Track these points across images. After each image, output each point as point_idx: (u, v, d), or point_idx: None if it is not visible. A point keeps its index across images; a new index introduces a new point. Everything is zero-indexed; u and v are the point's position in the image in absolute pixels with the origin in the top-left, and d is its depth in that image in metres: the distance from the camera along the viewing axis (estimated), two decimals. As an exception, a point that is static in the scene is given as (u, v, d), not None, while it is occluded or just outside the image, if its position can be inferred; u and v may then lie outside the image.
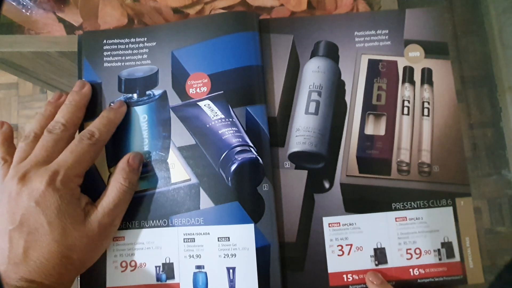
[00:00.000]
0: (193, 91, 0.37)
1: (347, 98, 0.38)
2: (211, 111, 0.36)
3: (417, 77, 0.38)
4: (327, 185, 0.36)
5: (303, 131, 0.37)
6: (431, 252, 0.35)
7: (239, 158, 0.35)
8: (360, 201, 0.36)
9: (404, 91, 0.38)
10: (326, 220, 0.36)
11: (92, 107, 0.37)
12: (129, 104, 0.37)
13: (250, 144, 0.35)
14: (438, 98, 0.38)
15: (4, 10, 0.44)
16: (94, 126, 0.34)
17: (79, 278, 0.34)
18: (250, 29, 0.37)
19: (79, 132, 0.35)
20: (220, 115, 0.36)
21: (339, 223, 0.36)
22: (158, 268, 0.35)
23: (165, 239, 0.35)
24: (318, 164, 0.37)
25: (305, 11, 0.44)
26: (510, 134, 0.87)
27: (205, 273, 0.34)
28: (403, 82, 0.38)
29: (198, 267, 0.34)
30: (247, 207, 0.34)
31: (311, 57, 0.38)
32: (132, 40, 0.38)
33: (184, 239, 0.35)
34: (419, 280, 0.35)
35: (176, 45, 0.38)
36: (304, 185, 0.36)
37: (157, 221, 0.35)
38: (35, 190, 0.30)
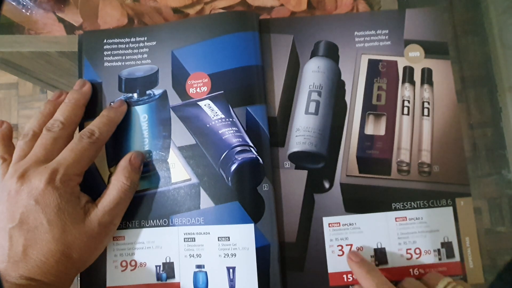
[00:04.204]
0: (193, 90, 0.37)
1: (347, 98, 0.38)
2: (211, 111, 0.36)
3: (417, 77, 0.38)
4: (327, 185, 0.36)
5: (303, 131, 0.37)
6: (431, 252, 0.35)
7: (239, 158, 0.35)
8: (360, 201, 0.36)
9: (404, 91, 0.38)
10: (326, 220, 0.36)
11: (92, 107, 0.37)
12: (129, 104, 0.37)
13: (250, 144, 0.35)
14: (438, 98, 0.38)
15: (4, 10, 0.44)
16: (94, 125, 0.34)
17: (79, 278, 0.34)
18: (250, 29, 0.37)
19: (79, 131, 0.35)
20: (220, 115, 0.36)
21: (339, 223, 0.36)
22: (158, 267, 0.35)
23: (166, 238, 0.35)
24: (318, 164, 0.37)
25: (305, 11, 0.44)
26: (510, 134, 0.87)
27: (205, 272, 0.34)
28: (403, 82, 0.38)
29: (199, 266, 0.34)
30: (247, 207, 0.34)
31: (311, 57, 0.38)
32: (132, 39, 0.38)
33: (184, 238, 0.35)
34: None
35: (176, 44, 0.38)
36: (304, 185, 0.36)
37: (157, 220, 0.35)
38: (34, 189, 0.30)
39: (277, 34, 0.39)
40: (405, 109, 0.38)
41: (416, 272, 0.35)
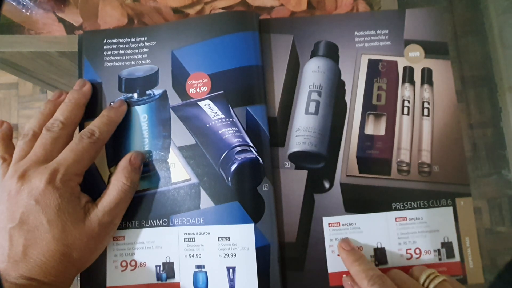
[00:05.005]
0: (193, 90, 0.37)
1: (347, 98, 0.38)
2: (211, 111, 0.36)
3: (417, 77, 0.38)
4: (327, 185, 0.36)
5: (303, 131, 0.37)
6: (431, 252, 0.35)
7: (239, 158, 0.35)
8: (360, 201, 0.36)
9: (404, 91, 0.38)
10: (326, 220, 0.36)
11: (92, 107, 0.37)
12: (129, 104, 0.37)
13: (250, 144, 0.35)
14: (438, 98, 0.38)
15: (4, 10, 0.44)
16: (95, 125, 0.34)
17: (79, 278, 0.34)
18: (250, 29, 0.37)
19: (79, 131, 0.35)
20: (220, 115, 0.36)
21: (339, 223, 0.36)
22: (158, 267, 0.35)
23: (166, 238, 0.35)
24: (318, 164, 0.37)
25: (305, 11, 0.44)
26: (510, 134, 0.87)
27: (205, 272, 0.34)
28: (403, 82, 0.38)
29: (199, 266, 0.34)
30: (247, 207, 0.34)
31: (311, 57, 0.38)
32: (132, 39, 0.38)
33: (184, 238, 0.35)
34: (419, 280, 0.35)
35: (176, 44, 0.38)
36: (304, 185, 0.36)
37: (157, 220, 0.35)
38: (35, 189, 0.30)
39: (277, 34, 0.39)
40: (405, 109, 0.38)
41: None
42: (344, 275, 0.35)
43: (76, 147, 0.32)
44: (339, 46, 0.38)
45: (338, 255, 0.35)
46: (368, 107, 0.38)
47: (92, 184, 0.35)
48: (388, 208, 0.36)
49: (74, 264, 0.31)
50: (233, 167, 0.35)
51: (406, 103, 0.38)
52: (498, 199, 0.88)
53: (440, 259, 0.35)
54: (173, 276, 0.35)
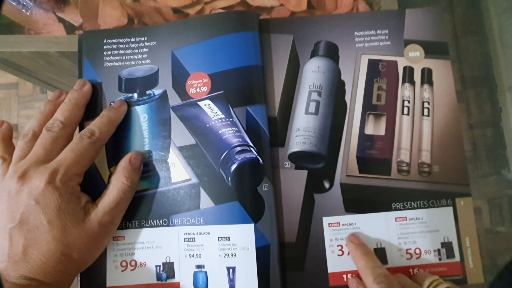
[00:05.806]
0: (193, 90, 0.37)
1: (347, 98, 0.38)
2: (211, 111, 0.36)
3: (417, 77, 0.38)
4: (327, 185, 0.36)
5: (303, 131, 0.37)
6: (431, 252, 0.35)
7: (239, 158, 0.35)
8: (360, 201, 0.36)
9: (404, 91, 0.38)
10: (326, 220, 0.36)
11: (92, 107, 0.37)
12: (129, 104, 0.37)
13: (250, 144, 0.35)
14: (438, 98, 0.38)
15: (4, 10, 0.44)
16: (95, 125, 0.34)
17: (79, 278, 0.34)
18: (250, 29, 0.37)
19: (79, 131, 0.35)
20: (220, 115, 0.36)
21: (339, 223, 0.36)
22: (158, 267, 0.35)
23: (166, 238, 0.35)
24: (318, 164, 0.37)
25: (305, 11, 0.44)
26: (510, 134, 0.87)
27: (205, 272, 0.34)
28: (403, 82, 0.38)
29: (199, 266, 0.34)
30: (247, 207, 0.34)
31: (311, 57, 0.38)
32: (132, 39, 0.38)
33: (184, 238, 0.35)
34: (419, 280, 0.35)
35: (176, 44, 0.38)
36: (304, 185, 0.36)
37: (157, 220, 0.35)
38: (35, 189, 0.30)
39: (277, 34, 0.39)
40: (405, 109, 0.38)
41: (416, 272, 0.35)
42: (350, 275, 0.34)
43: (76, 147, 0.32)
44: (339, 46, 0.38)
45: (339, 255, 0.35)
46: (368, 107, 0.38)
47: (92, 184, 0.35)
48: (388, 208, 0.36)
49: (74, 264, 0.31)
50: (233, 167, 0.35)
51: (406, 103, 0.38)
52: (498, 199, 0.88)
53: (440, 259, 0.35)
54: (173, 276, 0.35)
